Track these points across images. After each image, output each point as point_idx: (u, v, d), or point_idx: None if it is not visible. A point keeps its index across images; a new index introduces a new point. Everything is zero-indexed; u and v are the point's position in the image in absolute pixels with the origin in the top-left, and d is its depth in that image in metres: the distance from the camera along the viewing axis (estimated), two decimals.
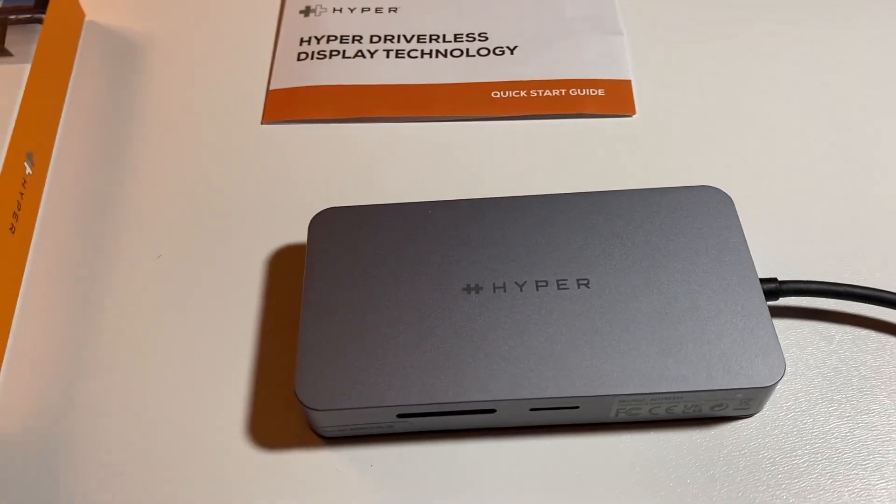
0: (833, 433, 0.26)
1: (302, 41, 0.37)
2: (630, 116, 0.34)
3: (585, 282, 0.27)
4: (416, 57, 0.36)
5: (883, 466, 0.25)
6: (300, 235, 0.30)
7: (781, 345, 0.27)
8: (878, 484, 0.24)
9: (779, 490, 0.24)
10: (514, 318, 0.26)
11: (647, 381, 0.24)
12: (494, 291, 0.27)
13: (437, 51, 0.37)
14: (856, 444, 0.25)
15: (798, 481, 0.25)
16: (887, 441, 0.25)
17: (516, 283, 0.27)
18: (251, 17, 0.39)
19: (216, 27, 0.39)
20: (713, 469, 0.25)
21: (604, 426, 0.26)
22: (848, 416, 0.26)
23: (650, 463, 0.25)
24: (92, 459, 0.26)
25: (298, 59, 0.37)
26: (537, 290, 0.27)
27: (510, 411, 0.25)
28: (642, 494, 0.25)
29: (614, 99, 0.34)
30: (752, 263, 0.27)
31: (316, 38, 0.37)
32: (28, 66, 0.33)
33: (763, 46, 0.36)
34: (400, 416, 0.25)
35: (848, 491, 0.24)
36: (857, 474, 0.25)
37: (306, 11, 0.38)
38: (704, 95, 0.35)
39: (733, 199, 0.29)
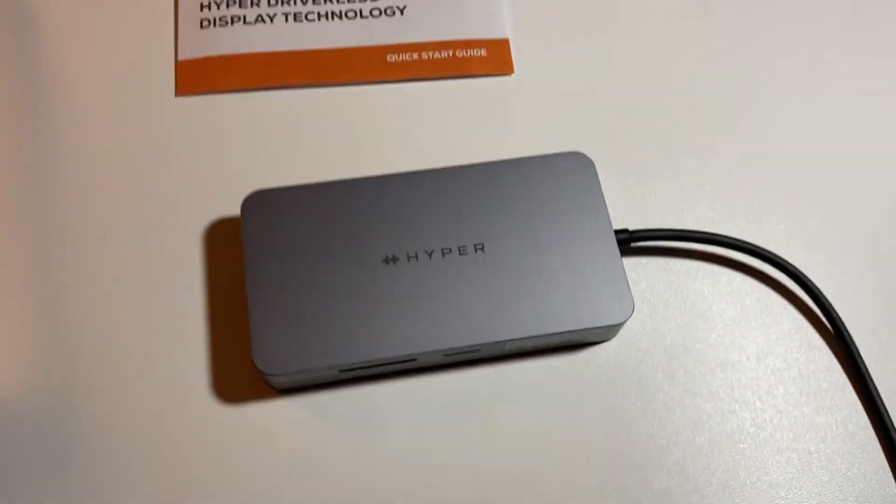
0: (675, 344, 0.34)
1: (202, 6, 0.39)
2: (509, 76, 0.39)
3: (481, 246, 0.33)
4: (314, 20, 0.39)
5: (704, 361, 0.33)
6: (230, 209, 0.35)
7: (634, 281, 0.35)
8: (698, 378, 0.33)
9: (632, 393, 0.33)
10: (426, 282, 0.32)
11: (530, 326, 0.31)
12: (409, 261, 0.32)
13: (333, 12, 0.40)
14: (688, 350, 0.34)
15: (645, 386, 0.33)
16: (710, 346, 0.34)
17: (426, 252, 0.32)
18: None
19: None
20: (586, 381, 0.33)
21: (500, 358, 0.33)
22: (682, 330, 0.34)
23: (539, 382, 0.33)
24: (86, 426, 0.31)
25: (202, 27, 0.39)
26: (443, 256, 0.32)
27: (428, 357, 0.32)
28: (537, 407, 0.32)
29: (495, 59, 0.39)
30: (609, 219, 0.33)
31: (215, 2, 0.39)
32: None
33: (642, 6, 0.41)
34: (341, 370, 0.31)
35: (682, 385, 0.33)
36: (690, 373, 0.33)
37: None
38: (579, 53, 0.40)
39: (597, 157, 0.35)
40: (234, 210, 0.35)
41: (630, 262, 0.35)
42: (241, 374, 0.32)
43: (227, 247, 0.34)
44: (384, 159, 0.36)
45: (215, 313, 0.33)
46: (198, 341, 0.33)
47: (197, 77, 0.38)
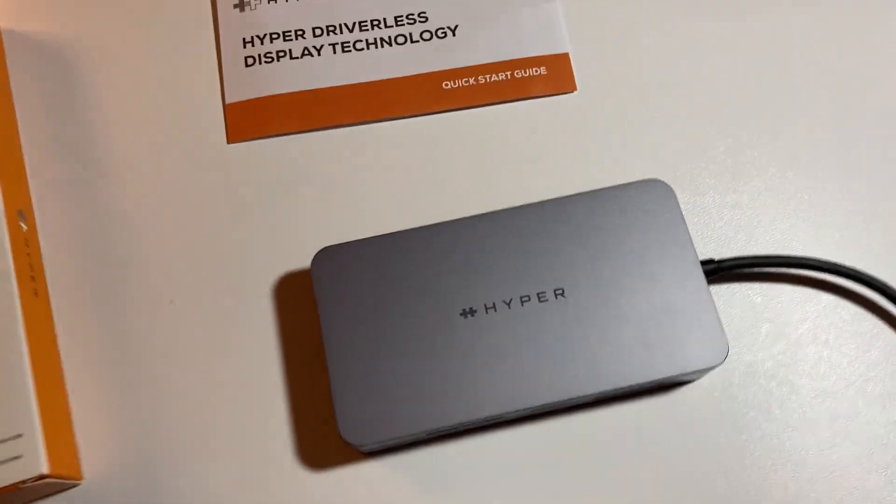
0: (769, 376, 0.32)
1: (245, 43, 0.37)
2: (572, 93, 0.37)
3: (561, 291, 0.31)
4: (363, 49, 0.37)
5: (801, 392, 0.32)
6: (297, 262, 0.34)
7: (721, 309, 0.33)
8: (796, 412, 0.32)
9: (728, 433, 0.32)
10: (508, 334, 0.31)
11: (620, 377, 0.30)
12: (487, 312, 0.31)
13: (382, 39, 0.38)
14: (783, 381, 0.32)
15: (742, 424, 0.32)
16: (805, 375, 0.32)
17: (504, 301, 0.31)
18: (181, 15, 0.38)
19: (145, 28, 0.38)
20: (679, 424, 0.32)
21: (588, 405, 0.32)
22: (775, 360, 0.33)
23: (630, 427, 0.32)
24: (172, 500, 0.31)
25: (246, 65, 0.37)
26: (522, 305, 0.31)
27: (515, 412, 0.31)
28: (631, 453, 0.31)
29: (556, 77, 0.37)
30: (695, 252, 0.32)
31: (258, 37, 0.37)
32: None
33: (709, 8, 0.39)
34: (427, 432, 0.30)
35: (780, 420, 0.32)
36: (787, 406, 0.32)
37: (241, 5, 0.38)
38: (644, 63, 0.37)
39: (669, 176, 0.33)
40: (301, 263, 0.34)
41: (715, 290, 0.34)
42: (324, 437, 0.32)
43: (298, 302, 0.33)
44: (449, 197, 0.35)
45: (292, 373, 0.32)
46: (278, 404, 0.32)
47: (247, 121, 0.36)
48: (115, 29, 0.38)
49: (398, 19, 0.38)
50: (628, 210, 0.33)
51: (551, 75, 0.37)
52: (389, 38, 0.38)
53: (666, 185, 0.33)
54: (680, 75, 0.37)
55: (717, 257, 0.33)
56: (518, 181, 0.35)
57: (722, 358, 0.30)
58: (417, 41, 0.38)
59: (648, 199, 0.33)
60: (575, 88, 0.37)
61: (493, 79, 0.37)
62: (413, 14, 0.38)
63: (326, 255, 0.32)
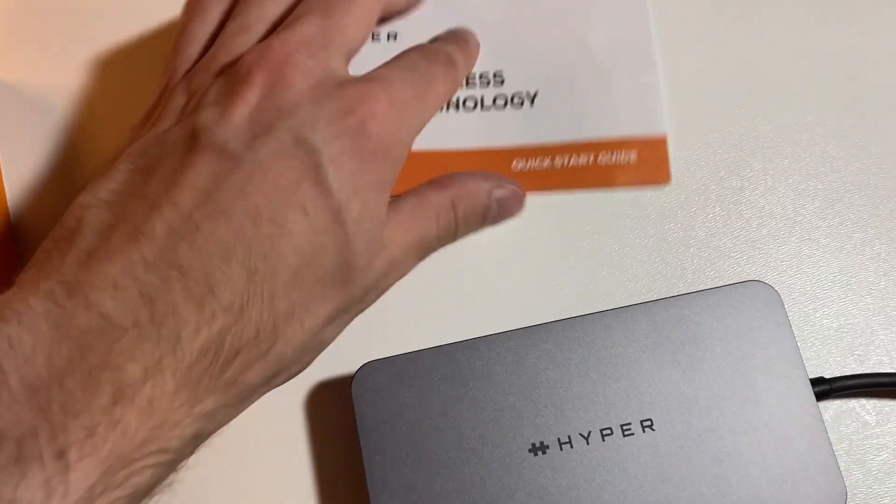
0: (875, 501, 0.28)
1: None
2: (664, 186, 0.32)
3: (649, 423, 0.26)
4: None
5: None
6: (333, 369, 0.29)
7: (830, 430, 0.28)
8: None
9: None
10: (586, 477, 0.26)
11: None
12: (561, 448, 0.26)
13: (449, 100, 0.33)
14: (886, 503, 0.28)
15: None
16: None
17: (581, 434, 0.26)
18: None
19: (137, 80, 0.33)
20: None
21: None
22: (878, 481, 0.28)
23: None
24: None
25: None
26: (603, 440, 0.26)
27: None
28: None
29: (647, 165, 0.32)
30: (805, 372, 0.27)
31: None
32: None
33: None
34: None
35: None
36: None
37: None
38: (750, 156, 0.33)
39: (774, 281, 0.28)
40: (337, 370, 0.29)
41: (821, 406, 0.28)
42: None
43: (333, 416, 0.28)
44: (514, 300, 0.30)
45: (326, 499, 0.27)
46: None
47: None
48: (104, 79, 0.34)
49: (469, 79, 0.33)
50: (726, 317, 0.28)
51: (642, 163, 0.32)
52: (457, 100, 0.33)
53: (770, 287, 0.28)
54: (791, 170, 0.32)
55: (826, 374, 0.29)
56: (594, 284, 0.30)
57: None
58: (489, 107, 0.33)
59: (750, 304, 0.28)
60: (669, 181, 0.32)
61: (572, 162, 0.32)
62: (487, 74, 0.33)
63: (369, 372, 0.27)
